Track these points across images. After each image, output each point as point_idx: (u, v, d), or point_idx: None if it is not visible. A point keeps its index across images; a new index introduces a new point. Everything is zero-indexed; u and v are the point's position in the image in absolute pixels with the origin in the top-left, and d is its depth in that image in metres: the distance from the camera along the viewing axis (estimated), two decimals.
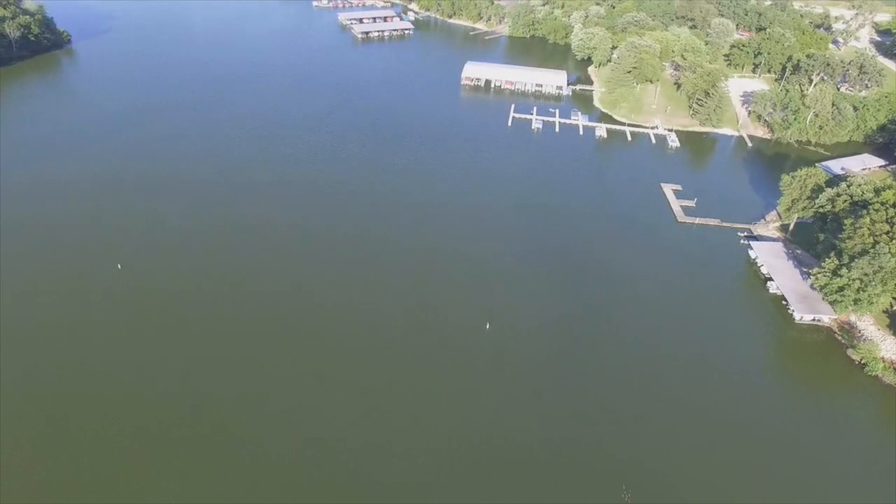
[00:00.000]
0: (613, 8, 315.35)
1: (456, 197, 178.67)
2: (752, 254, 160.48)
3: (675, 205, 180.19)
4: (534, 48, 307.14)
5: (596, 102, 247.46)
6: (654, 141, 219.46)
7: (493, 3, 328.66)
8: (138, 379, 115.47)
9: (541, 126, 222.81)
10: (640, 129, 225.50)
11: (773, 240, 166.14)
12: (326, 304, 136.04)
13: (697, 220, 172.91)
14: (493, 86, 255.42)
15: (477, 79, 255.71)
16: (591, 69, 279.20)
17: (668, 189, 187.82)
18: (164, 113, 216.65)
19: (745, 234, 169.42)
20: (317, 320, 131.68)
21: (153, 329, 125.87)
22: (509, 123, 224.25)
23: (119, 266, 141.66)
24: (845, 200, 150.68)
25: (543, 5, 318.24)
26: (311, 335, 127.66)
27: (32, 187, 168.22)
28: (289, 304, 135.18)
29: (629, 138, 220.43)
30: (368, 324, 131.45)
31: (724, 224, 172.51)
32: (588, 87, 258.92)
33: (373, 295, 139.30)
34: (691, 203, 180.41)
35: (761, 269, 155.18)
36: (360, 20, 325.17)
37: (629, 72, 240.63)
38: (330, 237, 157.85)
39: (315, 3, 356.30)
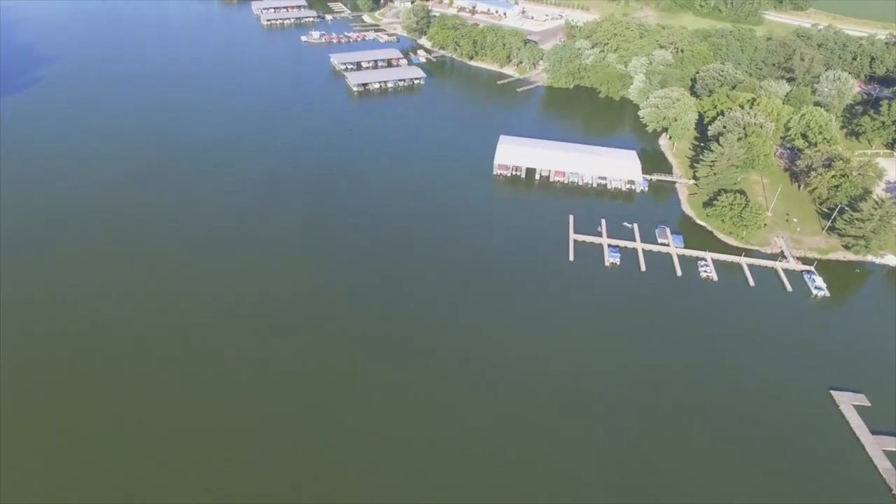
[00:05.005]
0: (681, 52, 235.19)
1: (489, 417, 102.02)
2: None
3: (874, 448, 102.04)
4: (580, 103, 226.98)
5: (685, 206, 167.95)
6: (787, 285, 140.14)
7: (526, 44, 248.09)
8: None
9: (617, 259, 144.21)
10: (762, 262, 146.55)
11: None
12: None
13: None
14: (538, 176, 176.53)
15: (515, 168, 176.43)
16: (663, 141, 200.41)
17: (848, 404, 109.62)
18: (75, 225, 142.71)
19: None
20: None
21: None
22: (571, 254, 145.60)
23: None
24: None
25: (592, 48, 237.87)
26: None
27: None
28: None
29: (749, 279, 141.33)
30: None
31: None
32: (668, 178, 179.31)
33: None
34: None
35: None
36: (358, 64, 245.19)
37: (735, 165, 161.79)
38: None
39: (304, 38, 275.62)
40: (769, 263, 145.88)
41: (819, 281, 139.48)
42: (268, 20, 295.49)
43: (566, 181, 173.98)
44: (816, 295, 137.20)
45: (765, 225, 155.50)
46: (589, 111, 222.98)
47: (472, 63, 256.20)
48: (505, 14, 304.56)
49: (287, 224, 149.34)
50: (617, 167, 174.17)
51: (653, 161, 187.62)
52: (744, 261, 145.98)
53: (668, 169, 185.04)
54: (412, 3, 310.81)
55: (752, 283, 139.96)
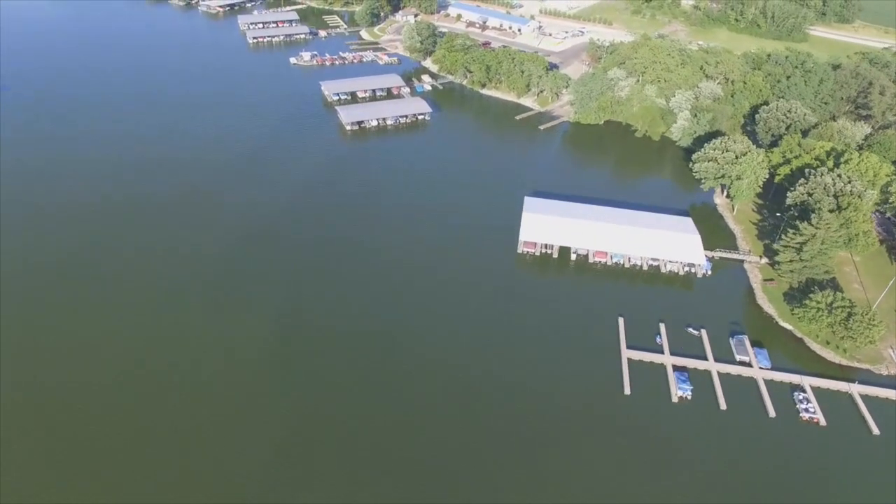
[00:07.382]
0: (732, 83, 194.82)
1: None
2: None
3: None
4: (614, 144, 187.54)
5: (760, 297, 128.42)
6: None
7: (548, 72, 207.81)
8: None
9: (688, 392, 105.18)
10: (880, 393, 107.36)
11: None
12: None
13: None
14: (573, 257, 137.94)
15: (546, 246, 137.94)
16: (720, 199, 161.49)
17: None
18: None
19: None
20: None
21: None
22: (626, 384, 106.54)
23: None
24: None
25: (626, 77, 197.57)
26: None
27: None
28: None
29: (868, 420, 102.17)
30: None
31: None
32: (734, 255, 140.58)
33: None
34: None
35: None
36: (353, 95, 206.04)
37: (829, 248, 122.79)
38: None
39: (293, 60, 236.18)
40: (890, 394, 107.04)
41: None
42: (254, 38, 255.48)
43: (609, 262, 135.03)
44: None
45: (873, 331, 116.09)
46: (625, 154, 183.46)
47: (485, 92, 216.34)
48: (519, 30, 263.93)
49: (251, 327, 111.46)
50: (673, 245, 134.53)
51: (708, 224, 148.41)
52: (855, 390, 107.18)
53: (730, 239, 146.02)
54: (415, 18, 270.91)
55: (874, 428, 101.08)
